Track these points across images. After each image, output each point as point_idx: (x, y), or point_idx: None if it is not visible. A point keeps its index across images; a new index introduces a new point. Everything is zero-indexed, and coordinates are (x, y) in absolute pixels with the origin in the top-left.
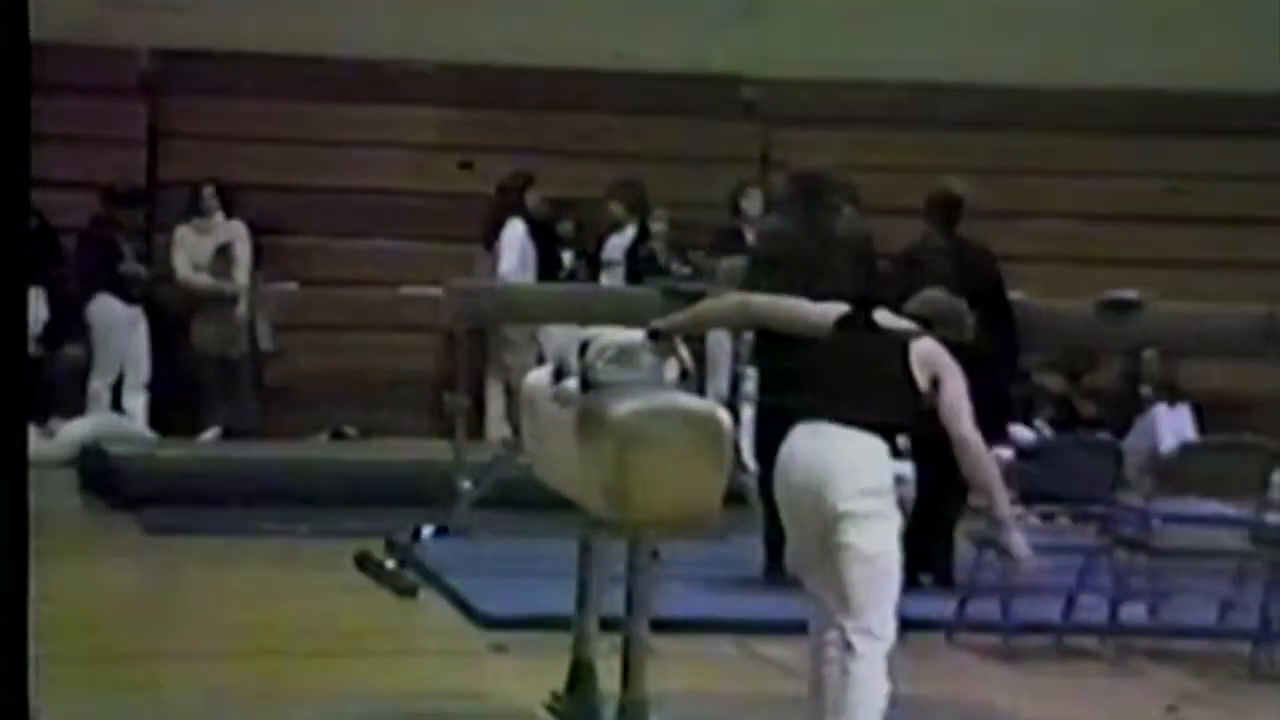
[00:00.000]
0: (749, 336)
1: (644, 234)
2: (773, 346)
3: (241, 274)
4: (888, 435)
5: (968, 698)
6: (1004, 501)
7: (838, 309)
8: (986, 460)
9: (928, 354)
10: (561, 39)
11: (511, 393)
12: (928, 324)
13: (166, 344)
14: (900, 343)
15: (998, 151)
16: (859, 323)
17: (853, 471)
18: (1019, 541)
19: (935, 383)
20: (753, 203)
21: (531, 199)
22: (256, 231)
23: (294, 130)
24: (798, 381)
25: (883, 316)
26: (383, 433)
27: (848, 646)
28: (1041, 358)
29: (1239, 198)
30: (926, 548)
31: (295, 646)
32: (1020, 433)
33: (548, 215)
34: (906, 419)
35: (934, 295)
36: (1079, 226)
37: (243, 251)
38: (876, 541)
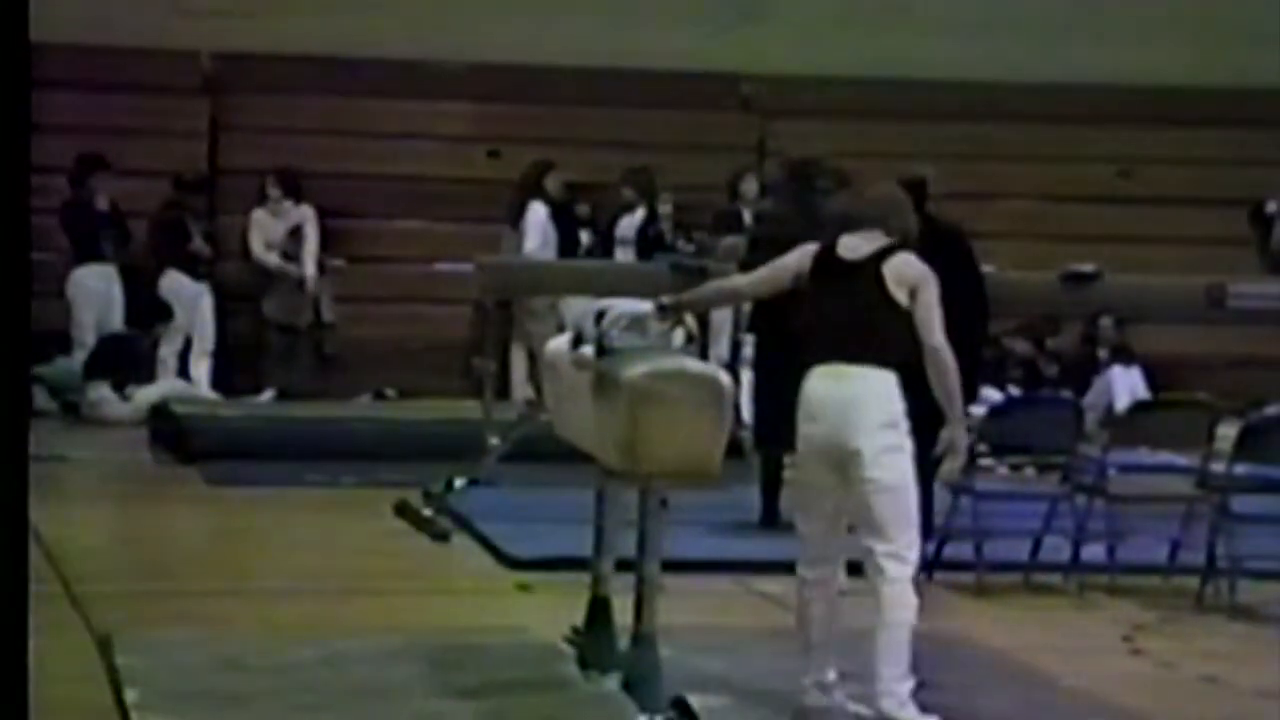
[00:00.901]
0: (747, 307)
1: (652, 215)
2: (767, 315)
3: (310, 253)
4: (894, 366)
5: (945, 629)
6: (959, 407)
7: (808, 252)
8: (952, 371)
9: (899, 269)
10: (579, 40)
11: (534, 358)
12: (884, 227)
13: (230, 315)
14: (872, 268)
15: (970, 140)
16: (829, 261)
17: (863, 409)
18: (962, 438)
19: (913, 294)
20: (749, 187)
21: (551, 184)
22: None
23: (341, 124)
24: (791, 344)
25: (848, 244)
26: (419, 394)
27: (879, 570)
28: (1010, 325)
29: (1183, 181)
30: None
31: (342, 585)
32: (990, 393)
33: (566, 198)
34: (905, 345)
35: (875, 194)
36: (1042, 207)
37: (311, 233)
38: (895, 473)
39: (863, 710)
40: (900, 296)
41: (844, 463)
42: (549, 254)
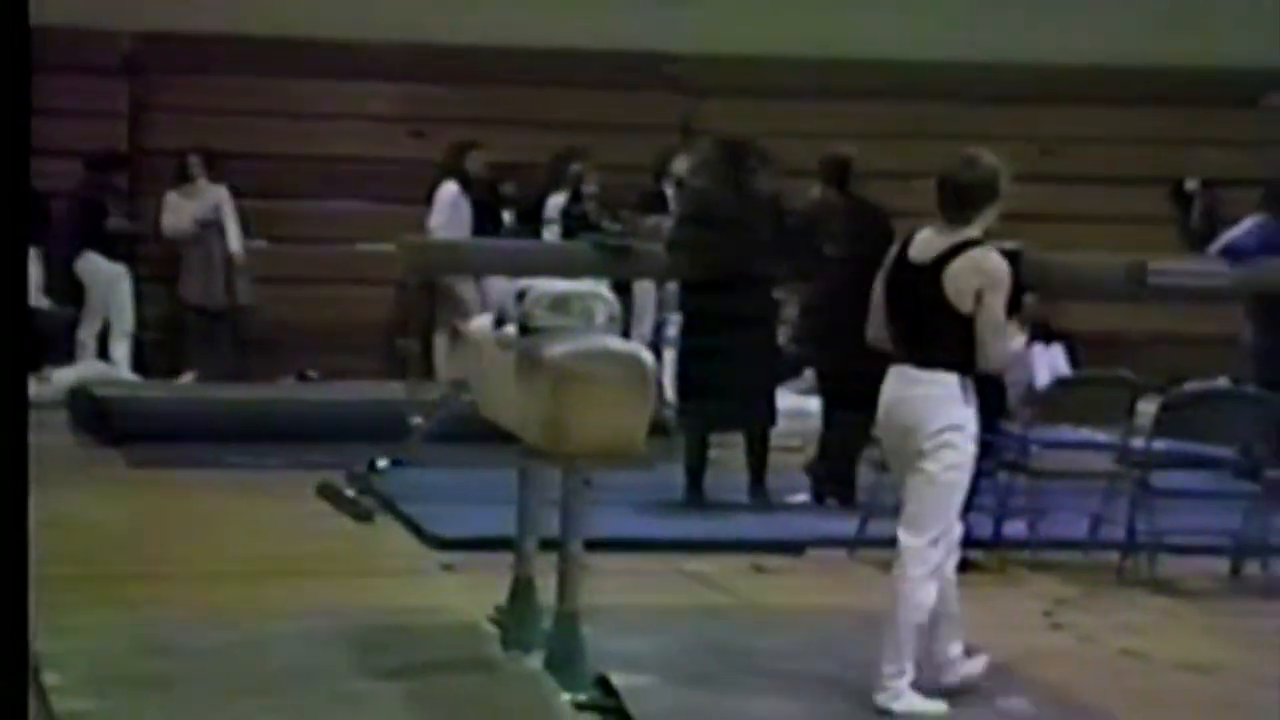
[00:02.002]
0: (672, 286)
1: (577, 195)
2: (694, 295)
3: (225, 234)
4: (957, 369)
5: (868, 606)
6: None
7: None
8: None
9: (959, 277)
10: (504, 20)
11: (456, 337)
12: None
13: (149, 297)
14: (934, 274)
15: (894, 119)
16: (900, 261)
17: (925, 414)
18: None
19: (979, 298)
20: (679, 166)
21: (472, 163)
22: (234, 195)
23: (262, 104)
24: (716, 326)
25: (920, 241)
26: (343, 375)
27: (901, 565)
28: None
29: (1105, 160)
30: (832, 473)
31: (266, 567)
32: None
33: (491, 178)
34: (968, 351)
35: (961, 176)
36: None
37: (227, 214)
38: (944, 468)
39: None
40: (962, 304)
41: (908, 459)
42: (458, 232)
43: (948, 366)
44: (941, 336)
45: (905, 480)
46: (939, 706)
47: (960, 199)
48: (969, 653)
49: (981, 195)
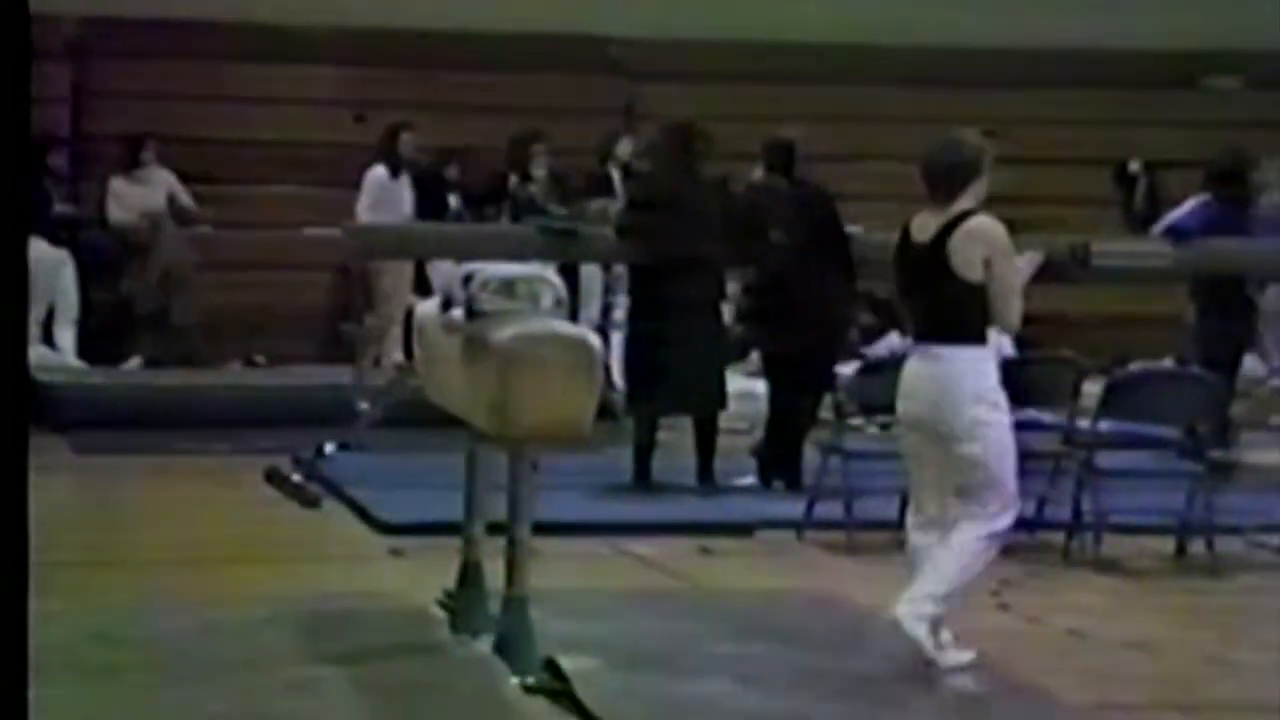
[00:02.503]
0: (619, 269)
1: (524, 178)
2: (643, 278)
3: (171, 219)
4: (975, 339)
5: (815, 587)
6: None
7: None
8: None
9: (963, 248)
10: (448, 4)
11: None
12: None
13: (93, 283)
14: (938, 250)
15: (836, 102)
16: (904, 244)
17: (951, 387)
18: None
19: (987, 265)
20: (625, 149)
21: (404, 146)
22: (186, 180)
23: (206, 89)
24: (665, 310)
25: (919, 223)
26: (289, 360)
27: (957, 524)
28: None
29: (1048, 142)
30: (778, 456)
31: (213, 554)
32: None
33: (433, 162)
34: (983, 320)
35: (939, 154)
36: (909, 168)
37: (174, 198)
38: (986, 444)
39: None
40: (971, 272)
41: (939, 438)
42: (388, 216)
43: (966, 338)
44: (956, 309)
45: (924, 451)
46: (971, 654)
47: (947, 180)
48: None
49: (965, 174)
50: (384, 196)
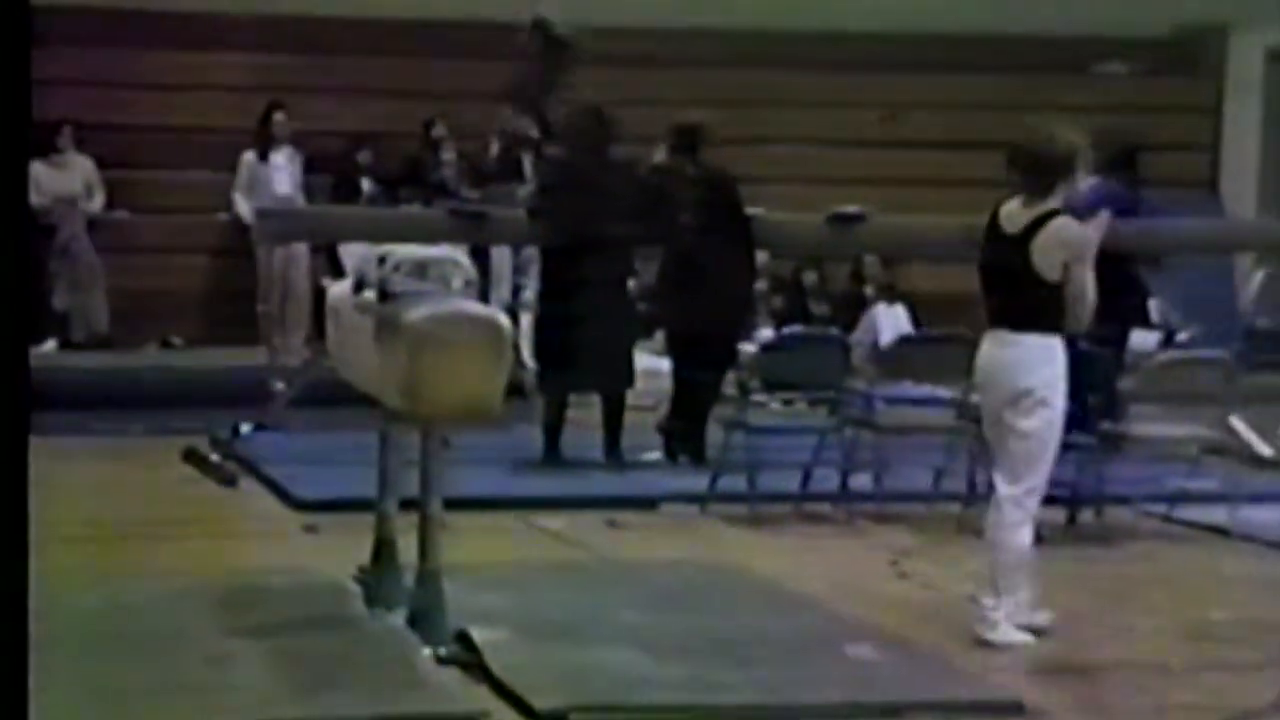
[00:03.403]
0: (527, 252)
1: (436, 163)
2: (554, 259)
3: (91, 204)
4: (1046, 331)
5: (719, 558)
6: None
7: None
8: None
9: (1046, 248)
10: None
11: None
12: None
13: None
14: (1023, 245)
15: (739, 87)
16: (992, 232)
17: (1014, 373)
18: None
19: (1066, 267)
20: (528, 134)
21: (280, 129)
22: (104, 166)
23: (122, 75)
24: (575, 290)
25: (1008, 213)
26: (205, 342)
27: (999, 509)
28: (784, 263)
29: (943, 126)
30: (683, 432)
31: (132, 531)
32: (762, 330)
33: (345, 147)
34: (1057, 314)
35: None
36: (809, 151)
37: (93, 184)
38: (1035, 423)
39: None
40: (1050, 273)
41: (1000, 415)
42: (258, 198)
43: (1038, 329)
44: (1031, 302)
45: (994, 433)
46: (1027, 638)
47: (1041, 175)
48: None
49: (1058, 169)
50: (253, 178)
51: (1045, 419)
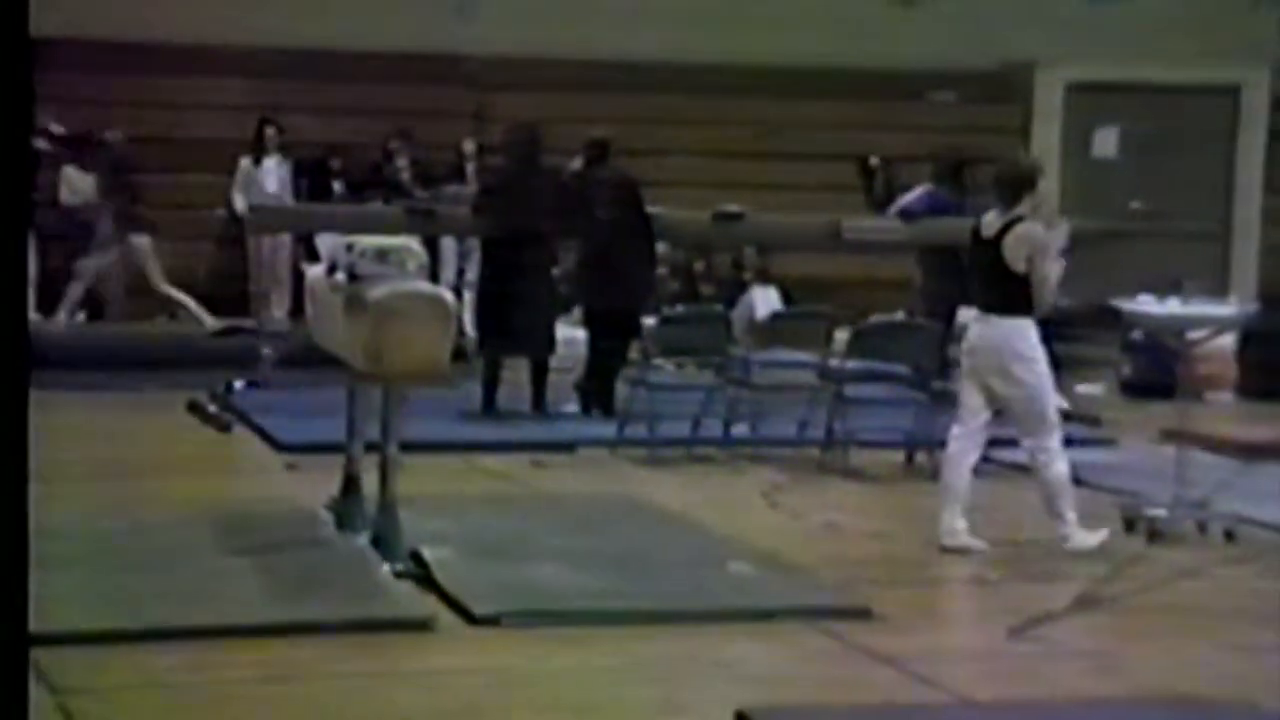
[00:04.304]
0: (470, 242)
1: (393, 169)
2: (492, 249)
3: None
4: (1021, 313)
5: (627, 493)
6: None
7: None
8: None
9: (1013, 247)
10: (333, 27)
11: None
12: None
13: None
14: (996, 244)
15: (646, 108)
16: (975, 235)
17: (998, 349)
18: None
19: (1030, 261)
20: (469, 147)
21: (270, 141)
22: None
23: (142, 95)
24: (508, 274)
25: (987, 221)
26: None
27: (1033, 459)
28: (679, 253)
29: (808, 141)
30: (596, 389)
31: (143, 468)
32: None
33: (320, 155)
34: (1028, 300)
35: (1003, 173)
36: (698, 161)
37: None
38: (1026, 387)
39: (975, 543)
40: (1018, 266)
41: (992, 384)
42: (252, 197)
43: (1015, 312)
44: (1007, 290)
45: (985, 395)
46: (1101, 534)
47: (1009, 190)
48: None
49: (1023, 185)
50: (248, 180)
51: (1031, 382)
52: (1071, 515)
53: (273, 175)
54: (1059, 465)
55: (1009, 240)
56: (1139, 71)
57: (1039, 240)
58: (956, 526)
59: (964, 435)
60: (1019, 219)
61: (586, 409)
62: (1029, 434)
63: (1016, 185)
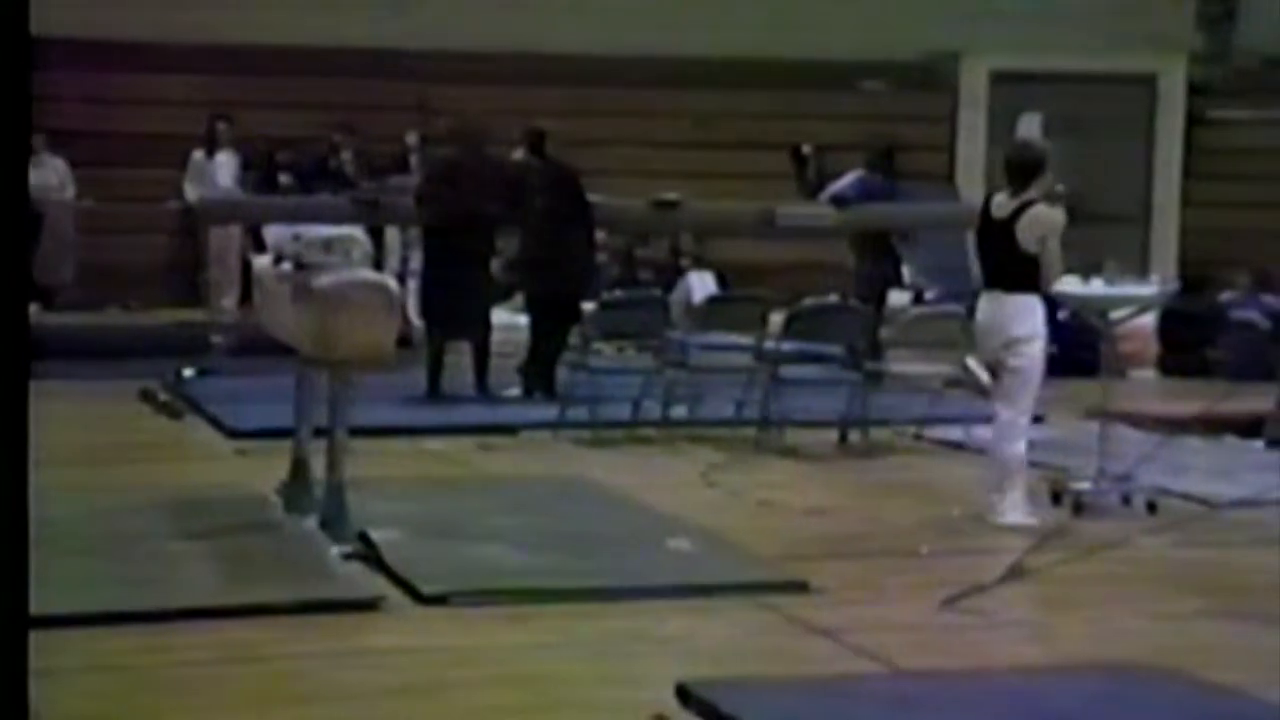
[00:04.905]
0: (413, 231)
1: (339, 161)
2: (434, 237)
3: (64, 195)
4: (1029, 291)
5: (569, 473)
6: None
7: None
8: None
9: (1025, 229)
10: (279, 23)
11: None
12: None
13: None
14: (1009, 225)
15: (583, 100)
16: (985, 216)
17: (1005, 324)
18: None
19: (1042, 242)
20: (412, 139)
21: (222, 135)
22: (75, 165)
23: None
24: (449, 261)
25: (998, 201)
26: (157, 305)
27: (1001, 429)
28: (618, 239)
29: (742, 130)
30: (538, 373)
31: (98, 454)
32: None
33: (268, 148)
34: (1036, 279)
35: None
36: (638, 151)
37: (65, 180)
38: (1022, 361)
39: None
40: (1030, 247)
41: (1000, 357)
42: (203, 188)
43: (1022, 290)
44: (1017, 270)
45: (990, 366)
46: (1033, 521)
47: (1021, 172)
48: None
49: (1035, 168)
50: (200, 173)
51: (1030, 357)
52: (1015, 495)
53: (225, 169)
54: (1020, 444)
55: (1023, 222)
56: (1061, 61)
57: (1053, 223)
58: (1003, 505)
59: (1009, 420)
60: (1031, 202)
61: (529, 392)
62: (1009, 405)
63: (1028, 169)
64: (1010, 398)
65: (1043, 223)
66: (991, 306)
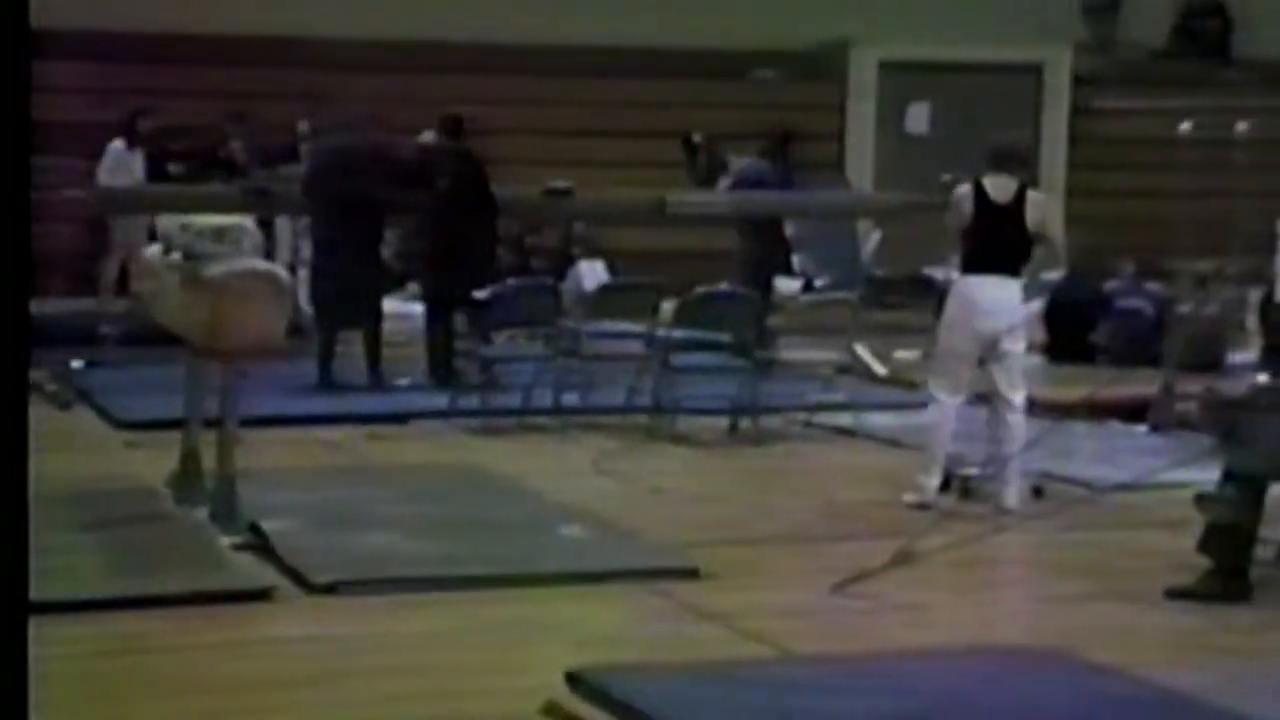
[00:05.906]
0: (304, 220)
1: (230, 150)
2: (322, 226)
3: None
4: (1020, 274)
5: (462, 461)
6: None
7: (967, 194)
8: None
9: (1034, 209)
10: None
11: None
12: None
13: None
14: (1017, 209)
15: (475, 88)
16: (982, 200)
17: (1010, 307)
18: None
19: (1043, 223)
20: (304, 128)
21: (144, 127)
22: None
23: None
24: (338, 250)
25: (994, 185)
26: (47, 294)
27: (1011, 409)
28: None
29: (635, 119)
30: (432, 361)
31: None
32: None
33: (161, 137)
34: (1027, 262)
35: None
36: (530, 139)
37: None
38: (1022, 345)
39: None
40: (1035, 229)
41: (994, 340)
42: (122, 179)
43: (1019, 273)
44: (1020, 253)
45: (989, 352)
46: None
47: (1012, 160)
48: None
49: (1023, 156)
50: (119, 163)
51: (1026, 337)
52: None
53: (138, 160)
54: (1023, 428)
55: (1029, 204)
56: (948, 51)
57: (1051, 206)
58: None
59: (953, 387)
60: (1026, 185)
61: (441, 384)
62: (1016, 388)
63: (1018, 156)
64: (1017, 380)
65: (1043, 206)
66: (998, 291)
